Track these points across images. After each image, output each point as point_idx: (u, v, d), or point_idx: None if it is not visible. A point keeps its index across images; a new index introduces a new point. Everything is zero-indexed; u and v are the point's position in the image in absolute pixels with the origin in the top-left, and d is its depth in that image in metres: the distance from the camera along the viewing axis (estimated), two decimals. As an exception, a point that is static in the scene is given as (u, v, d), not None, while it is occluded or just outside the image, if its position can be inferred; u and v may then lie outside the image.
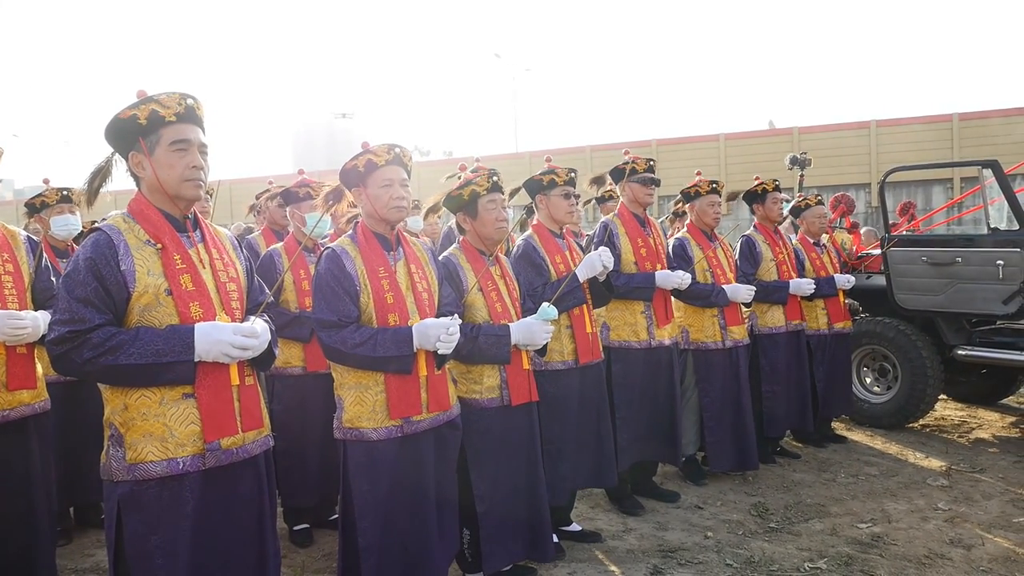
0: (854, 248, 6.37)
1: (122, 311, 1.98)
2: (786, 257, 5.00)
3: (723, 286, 4.42)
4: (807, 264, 5.21)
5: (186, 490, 1.99)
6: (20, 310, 2.68)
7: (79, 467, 3.72)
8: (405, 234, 2.83)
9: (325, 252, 2.61)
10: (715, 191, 4.48)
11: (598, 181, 4.27)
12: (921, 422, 5.81)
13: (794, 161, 7.29)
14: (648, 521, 3.97)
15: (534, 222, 3.69)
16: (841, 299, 5.28)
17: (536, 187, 3.63)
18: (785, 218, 5.57)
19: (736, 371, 4.51)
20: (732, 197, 4.85)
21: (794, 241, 5.32)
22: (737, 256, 4.87)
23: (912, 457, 5.03)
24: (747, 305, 4.74)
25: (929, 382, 5.42)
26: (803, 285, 4.91)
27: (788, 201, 5.70)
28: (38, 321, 2.68)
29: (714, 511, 4.11)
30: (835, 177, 14.44)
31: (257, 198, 4.92)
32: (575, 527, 3.75)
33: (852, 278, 5.30)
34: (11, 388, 2.68)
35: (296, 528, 3.80)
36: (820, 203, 5.38)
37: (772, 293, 4.82)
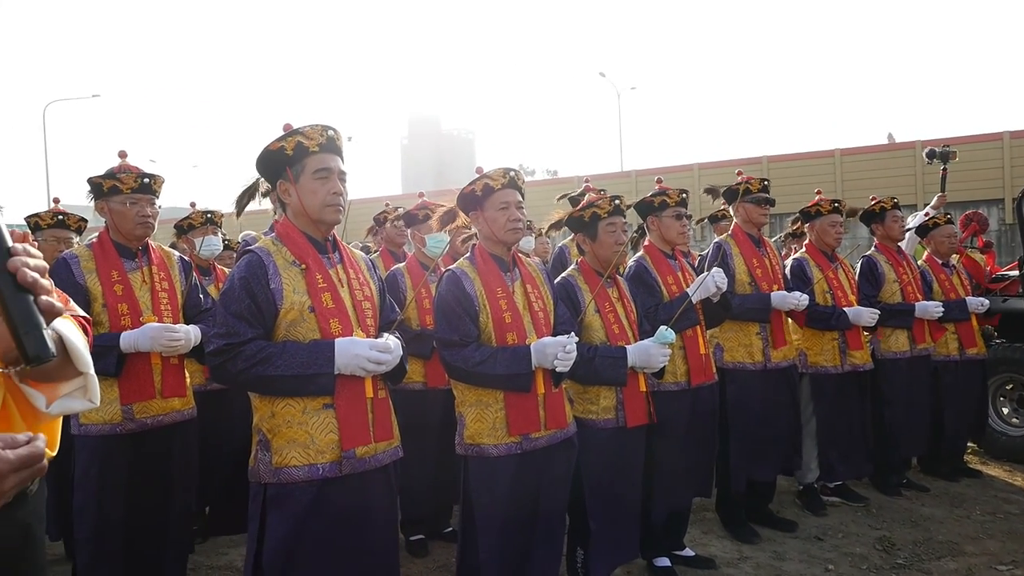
0: (988, 269, 6.00)
1: (271, 326, 2.15)
2: (911, 278, 4.78)
3: (845, 309, 4.28)
4: (935, 286, 4.96)
5: (324, 494, 2.12)
6: (174, 324, 2.93)
7: (216, 472, 3.99)
8: (520, 255, 2.91)
9: (446, 274, 2.72)
10: (837, 210, 4.36)
11: (712, 192, 4.24)
12: (1066, 457, 5.38)
13: (932, 155, 6.65)
14: (764, 550, 3.87)
15: (645, 243, 3.71)
16: (974, 324, 4.98)
17: (647, 208, 3.65)
18: (907, 230, 5.31)
19: (855, 397, 4.34)
20: (852, 214, 4.70)
21: (919, 262, 5.08)
22: (858, 277, 4.70)
23: (1056, 495, 4.67)
24: (870, 329, 4.56)
25: (1074, 414, 5.03)
26: (930, 308, 4.67)
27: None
28: (190, 334, 2.91)
29: (835, 543, 3.95)
30: (965, 193, 13.57)
31: (376, 219, 5.14)
32: (688, 552, 3.70)
33: (986, 301, 5.00)
34: (165, 396, 2.91)
35: (412, 538, 3.93)
36: (949, 222, 5.12)
37: (897, 317, 4.61)
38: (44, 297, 0.93)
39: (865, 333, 4.53)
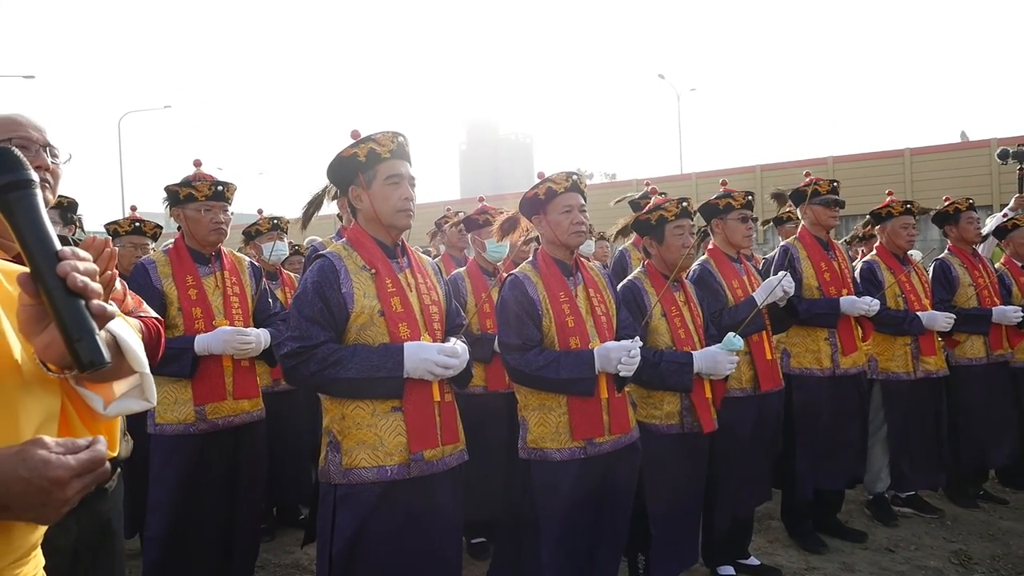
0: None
1: (342, 329, 2.20)
2: (988, 282, 4.59)
3: (918, 313, 4.14)
4: (1014, 290, 4.75)
5: (392, 495, 2.16)
6: (245, 327, 3.01)
7: (283, 471, 4.09)
8: (582, 259, 2.91)
9: (509, 278, 2.74)
10: (909, 212, 4.22)
11: (779, 197, 4.15)
12: None
13: (1005, 155, 6.31)
14: (832, 561, 3.76)
15: (709, 246, 3.66)
16: (1057, 329, 4.75)
17: (712, 211, 3.60)
18: (985, 238, 5.11)
19: (928, 405, 4.19)
20: (922, 213, 4.54)
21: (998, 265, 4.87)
22: (931, 280, 4.54)
23: None
24: (943, 335, 4.40)
25: None
26: (1008, 313, 4.47)
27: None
28: (260, 338, 3.00)
29: (907, 555, 3.82)
30: (1045, 193, 12.99)
31: (437, 224, 5.21)
32: (753, 560, 3.63)
33: (1070, 306, 4.75)
34: (236, 397, 3.00)
35: (474, 541, 3.95)
36: (1030, 223, 4.89)
37: (973, 322, 4.43)
38: (95, 301, 0.91)
39: (938, 339, 4.37)
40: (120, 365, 1.02)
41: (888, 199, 4.32)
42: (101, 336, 0.90)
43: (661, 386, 2.98)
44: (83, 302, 0.90)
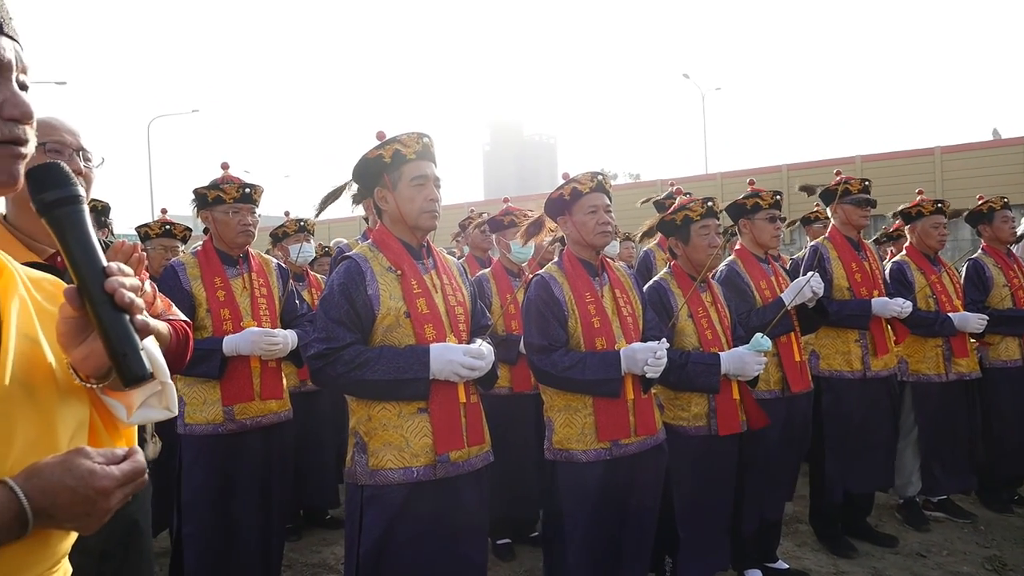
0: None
1: (369, 330, 2.21)
2: (1023, 283, 4.49)
3: (950, 314, 4.06)
4: (1051, 291, 4.64)
5: (419, 497, 2.16)
6: (273, 328, 3.04)
7: (308, 472, 4.12)
8: (607, 259, 2.89)
9: (535, 279, 2.73)
10: (940, 211, 4.14)
11: (808, 190, 4.09)
12: None
13: None
14: (862, 565, 3.71)
15: (737, 246, 3.62)
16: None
17: (740, 211, 3.56)
18: (1020, 238, 5.01)
19: (961, 407, 4.11)
20: (955, 215, 4.46)
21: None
22: (963, 281, 4.45)
23: None
24: (976, 336, 4.31)
25: None
26: (1044, 314, 4.38)
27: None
28: (287, 339, 3.02)
29: (940, 561, 3.75)
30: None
31: (461, 225, 5.22)
32: (781, 564, 3.59)
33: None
34: (263, 398, 3.02)
35: (499, 542, 3.95)
36: (1066, 222, 4.79)
37: (1007, 323, 4.33)
38: (139, 316, 0.93)
39: (971, 340, 4.29)
40: None
41: (919, 198, 4.24)
42: (144, 351, 0.93)
43: (689, 387, 2.96)
44: (128, 317, 0.92)
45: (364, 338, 2.20)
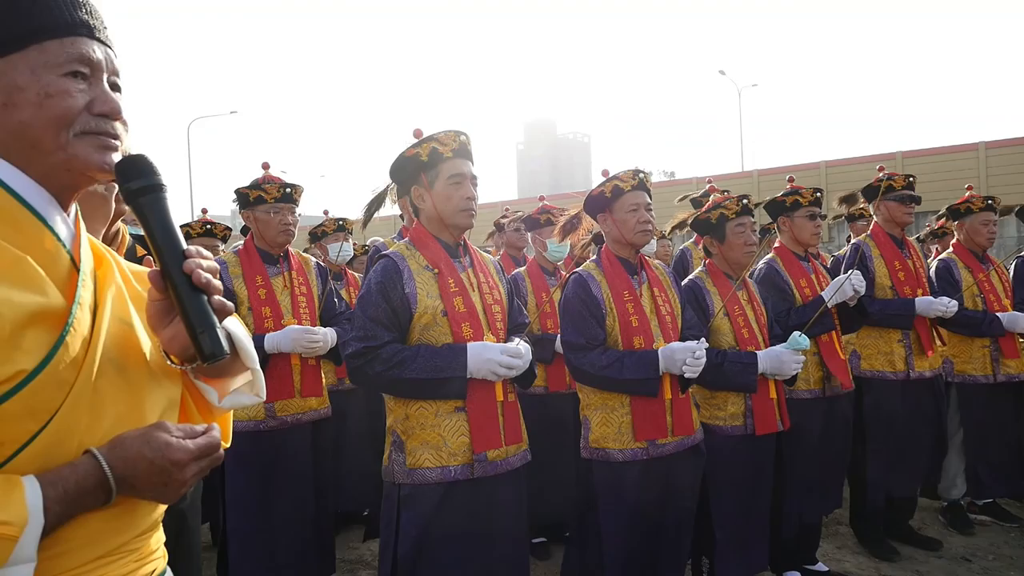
0: None
1: (406, 329, 2.21)
2: (1075, 281, 4.35)
3: (998, 314, 3.96)
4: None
5: (456, 496, 2.16)
6: (313, 327, 3.07)
7: (345, 469, 4.16)
8: (646, 257, 2.87)
9: (572, 277, 2.72)
10: (990, 208, 4.03)
11: (849, 200, 4.02)
12: None
13: None
14: (905, 569, 3.63)
15: (776, 244, 3.57)
16: None
17: (779, 208, 3.51)
18: None
19: (1008, 409, 4.01)
20: (1006, 212, 4.34)
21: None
22: (1012, 279, 4.33)
23: None
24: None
25: None
26: (1098, 314, 4.24)
27: None
28: (327, 337, 3.05)
29: (985, 565, 3.66)
30: None
31: (496, 224, 5.22)
32: (821, 567, 3.53)
33: None
34: (304, 395, 3.06)
35: (535, 541, 3.95)
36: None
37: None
38: (216, 297, 0.97)
39: (1021, 340, 4.17)
40: (235, 362, 1.10)
41: (968, 194, 4.14)
42: (222, 330, 0.97)
43: (725, 386, 2.92)
44: (206, 297, 0.96)
45: (401, 336, 2.21)
